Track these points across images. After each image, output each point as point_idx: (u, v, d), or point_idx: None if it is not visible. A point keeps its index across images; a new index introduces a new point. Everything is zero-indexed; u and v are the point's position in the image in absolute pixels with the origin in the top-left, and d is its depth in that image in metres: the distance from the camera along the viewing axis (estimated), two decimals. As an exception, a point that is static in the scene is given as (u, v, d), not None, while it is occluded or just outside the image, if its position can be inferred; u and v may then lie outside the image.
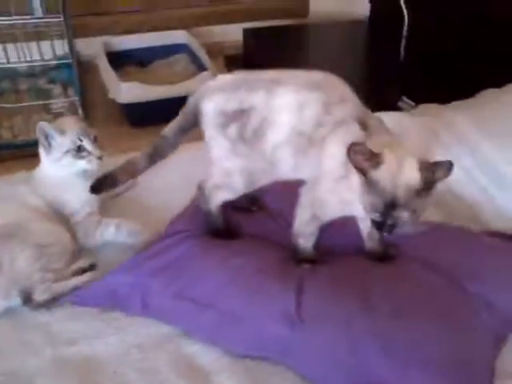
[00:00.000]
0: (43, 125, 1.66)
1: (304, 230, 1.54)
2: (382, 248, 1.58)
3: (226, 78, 1.53)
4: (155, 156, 1.60)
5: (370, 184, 1.28)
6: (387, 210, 1.27)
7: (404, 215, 1.27)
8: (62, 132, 1.67)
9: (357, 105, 1.44)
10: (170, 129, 1.59)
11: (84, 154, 1.68)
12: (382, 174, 1.27)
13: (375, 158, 1.27)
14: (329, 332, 1.36)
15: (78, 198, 1.71)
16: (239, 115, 1.45)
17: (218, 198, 1.59)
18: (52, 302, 1.51)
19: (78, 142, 1.67)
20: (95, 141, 1.71)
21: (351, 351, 1.32)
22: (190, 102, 1.56)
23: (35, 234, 1.57)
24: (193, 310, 1.44)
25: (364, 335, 1.33)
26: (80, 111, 1.75)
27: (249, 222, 1.68)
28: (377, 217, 1.30)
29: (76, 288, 1.55)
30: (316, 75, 1.47)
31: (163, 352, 1.40)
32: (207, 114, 1.50)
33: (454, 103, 2.26)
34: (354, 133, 1.37)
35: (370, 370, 1.31)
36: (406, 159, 1.28)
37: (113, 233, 1.72)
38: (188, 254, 1.53)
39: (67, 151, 1.67)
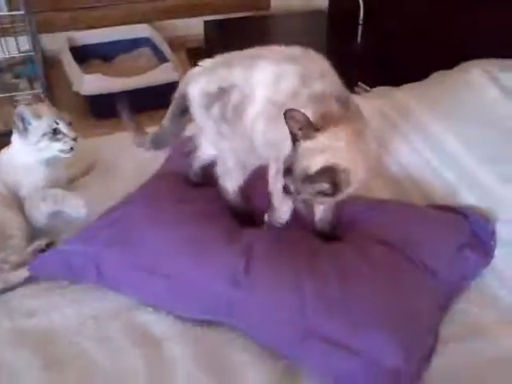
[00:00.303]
0: (21, 109, 1.71)
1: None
2: (330, 229, 1.62)
3: (207, 62, 1.58)
4: (158, 144, 1.72)
5: (293, 150, 1.32)
6: (285, 173, 1.32)
7: (290, 185, 1.32)
8: (39, 116, 1.72)
9: (336, 82, 1.44)
10: (165, 118, 1.68)
11: (60, 136, 1.74)
12: (303, 149, 1.30)
13: (307, 132, 1.29)
14: (277, 293, 1.39)
15: (35, 183, 1.76)
16: (221, 94, 1.48)
17: (228, 187, 1.64)
18: (5, 292, 1.56)
19: (54, 125, 1.73)
20: (70, 124, 1.78)
21: (299, 312, 1.36)
22: (179, 89, 1.62)
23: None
24: (146, 279, 1.48)
25: (312, 297, 1.37)
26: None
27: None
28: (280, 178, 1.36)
29: (30, 277, 1.58)
30: (296, 50, 1.47)
31: (118, 322, 1.46)
32: (194, 98, 1.55)
33: (405, 85, 2.31)
34: (328, 106, 1.35)
35: (317, 330, 1.34)
36: (327, 154, 1.28)
37: (60, 200, 1.73)
38: (139, 224, 1.57)
39: (44, 134, 1.72)
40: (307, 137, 1.29)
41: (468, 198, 1.77)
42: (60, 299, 1.53)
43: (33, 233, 1.72)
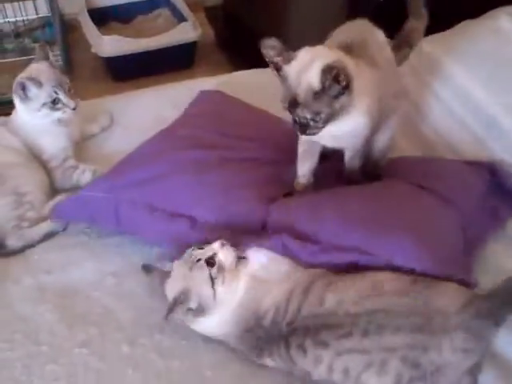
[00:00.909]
0: (20, 79, 1.72)
1: None
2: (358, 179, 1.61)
3: None
4: None
5: (282, 79, 1.30)
6: (292, 107, 1.30)
7: (306, 115, 1.29)
8: (39, 85, 1.72)
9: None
10: None
11: (59, 105, 1.74)
12: (291, 70, 1.29)
13: (287, 55, 1.29)
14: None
15: (54, 143, 1.78)
16: None
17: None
18: (22, 250, 1.56)
19: (54, 95, 1.73)
20: (69, 91, 1.77)
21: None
22: None
23: (14, 182, 1.63)
24: (164, 220, 1.48)
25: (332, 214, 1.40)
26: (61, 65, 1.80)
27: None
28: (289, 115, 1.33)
29: (48, 234, 1.59)
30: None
31: (136, 278, 1.46)
32: None
33: (432, 36, 2.25)
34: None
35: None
36: (318, 60, 1.27)
37: (89, 178, 1.75)
38: (162, 170, 1.56)
39: (44, 103, 1.72)
40: (289, 60, 1.29)
41: (494, 147, 1.73)
42: (79, 255, 1.54)
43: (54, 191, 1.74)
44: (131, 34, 3.33)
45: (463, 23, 2.23)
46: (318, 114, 1.28)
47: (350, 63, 1.31)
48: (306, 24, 2.35)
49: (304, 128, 1.33)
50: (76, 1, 3.50)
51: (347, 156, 1.55)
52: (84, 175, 1.75)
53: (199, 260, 1.28)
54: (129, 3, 3.59)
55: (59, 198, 1.68)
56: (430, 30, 2.23)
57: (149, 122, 1.91)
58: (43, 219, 1.61)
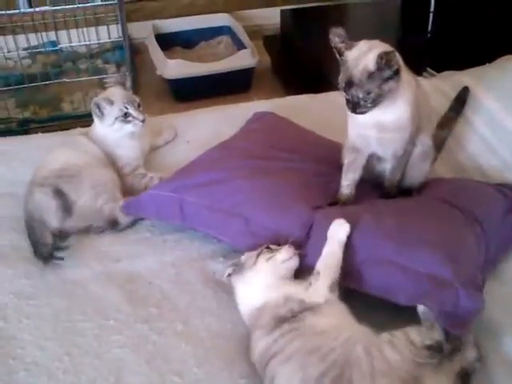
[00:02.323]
0: (96, 100, 1.98)
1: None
2: (396, 192, 1.79)
3: None
4: None
5: (342, 63, 1.52)
6: (347, 87, 1.51)
7: (359, 94, 1.50)
8: (111, 102, 1.97)
9: None
10: None
11: (130, 118, 1.98)
12: (350, 55, 1.51)
13: (349, 43, 1.52)
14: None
15: (127, 154, 2.03)
16: None
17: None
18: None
19: (125, 110, 1.97)
20: (139, 106, 2.01)
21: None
22: None
23: (90, 180, 1.86)
24: (223, 218, 1.68)
25: (370, 227, 1.56)
26: (129, 84, 2.05)
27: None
28: (343, 94, 1.54)
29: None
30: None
31: (193, 269, 1.67)
32: None
33: (468, 70, 2.41)
34: None
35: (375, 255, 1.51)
36: (375, 48, 1.49)
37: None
38: (220, 176, 1.76)
39: (116, 118, 1.97)
40: (350, 47, 1.52)
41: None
42: (144, 249, 1.76)
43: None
44: (194, 58, 3.59)
45: (503, 58, 2.38)
46: (368, 93, 1.50)
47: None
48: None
49: (355, 106, 1.53)
50: (144, 26, 3.80)
51: (389, 168, 1.72)
52: (152, 182, 1.98)
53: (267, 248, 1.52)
54: (193, 30, 3.86)
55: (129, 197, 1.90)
56: (472, 67, 2.42)
57: (208, 137, 2.12)
58: None
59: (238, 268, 1.50)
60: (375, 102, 1.52)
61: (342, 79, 1.53)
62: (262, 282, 1.47)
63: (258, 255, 1.50)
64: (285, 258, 1.49)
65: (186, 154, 2.05)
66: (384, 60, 1.46)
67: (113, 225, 1.83)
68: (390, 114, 1.59)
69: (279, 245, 1.53)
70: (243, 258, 1.52)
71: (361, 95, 1.51)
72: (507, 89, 2.12)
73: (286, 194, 1.70)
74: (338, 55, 1.54)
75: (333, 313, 1.39)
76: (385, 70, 1.48)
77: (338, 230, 1.53)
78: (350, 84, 1.51)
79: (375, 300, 1.48)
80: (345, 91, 1.53)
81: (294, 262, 1.51)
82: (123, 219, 1.82)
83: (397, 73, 1.50)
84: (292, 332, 1.33)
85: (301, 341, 1.32)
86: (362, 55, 1.50)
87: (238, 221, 1.66)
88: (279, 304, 1.40)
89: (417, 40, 3.30)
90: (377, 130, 1.63)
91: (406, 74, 1.57)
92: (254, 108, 2.27)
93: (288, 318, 1.37)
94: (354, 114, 1.57)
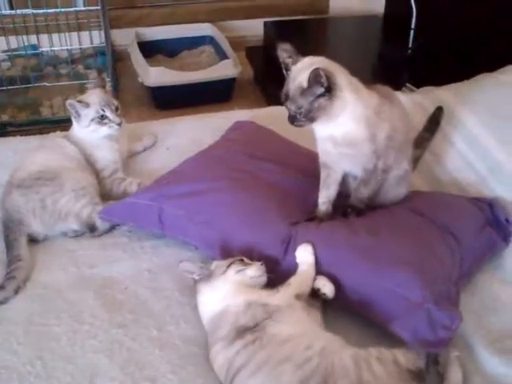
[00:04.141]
0: (70, 102, 1.98)
1: None
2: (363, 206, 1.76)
3: None
4: None
5: (287, 77, 1.57)
6: (284, 100, 1.57)
7: (291, 107, 1.56)
8: (87, 105, 1.98)
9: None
10: None
11: (106, 121, 1.99)
12: (294, 69, 1.57)
13: (295, 58, 1.57)
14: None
15: (106, 156, 2.03)
16: None
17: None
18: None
19: (101, 112, 1.98)
20: (116, 110, 2.01)
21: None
22: None
23: (70, 182, 1.85)
24: (200, 229, 1.68)
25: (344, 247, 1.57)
26: (108, 88, 2.04)
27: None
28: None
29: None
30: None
31: (170, 275, 1.66)
32: None
33: (447, 85, 2.45)
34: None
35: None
36: (314, 65, 1.51)
37: (134, 189, 1.97)
38: (202, 188, 1.75)
39: (92, 119, 1.97)
40: (295, 62, 1.58)
41: (496, 188, 1.92)
42: (120, 254, 1.75)
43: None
44: (176, 67, 3.60)
45: (480, 76, 2.42)
46: (299, 108, 1.54)
47: (346, 78, 1.57)
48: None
49: (292, 119, 1.58)
50: (127, 33, 3.80)
51: (359, 180, 1.71)
52: (131, 186, 1.98)
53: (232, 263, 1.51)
54: (176, 39, 3.87)
55: (109, 203, 1.89)
56: (451, 82, 2.45)
57: (188, 145, 2.13)
58: None
59: (207, 275, 1.50)
60: (307, 117, 1.56)
61: (282, 92, 1.58)
62: (226, 290, 1.46)
63: (229, 265, 1.50)
64: (254, 274, 1.49)
65: (165, 161, 2.06)
66: (314, 77, 1.50)
67: (90, 229, 1.81)
68: (338, 130, 1.61)
69: (253, 260, 1.54)
70: (213, 265, 1.52)
71: (293, 109, 1.56)
72: (484, 105, 2.15)
73: (264, 209, 1.70)
74: (284, 70, 1.59)
75: (295, 320, 1.40)
76: (316, 87, 1.51)
77: (304, 255, 1.56)
78: (286, 97, 1.57)
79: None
80: (283, 104, 1.58)
81: (262, 280, 1.50)
82: (101, 224, 1.81)
83: (328, 90, 1.52)
84: (255, 343, 1.33)
85: (267, 351, 1.31)
86: (301, 71, 1.54)
87: (216, 233, 1.66)
88: (239, 311, 1.40)
89: (397, 55, 3.35)
90: (331, 144, 1.65)
91: (355, 93, 1.58)
92: (235, 117, 2.28)
93: (250, 327, 1.36)
94: (316, 129, 1.62)
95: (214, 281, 1.49)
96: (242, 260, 1.53)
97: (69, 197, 1.82)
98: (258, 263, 1.51)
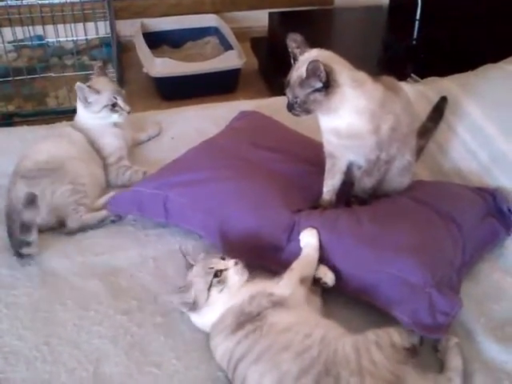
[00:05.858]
0: (80, 86, 2.00)
1: None
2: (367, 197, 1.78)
3: None
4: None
5: (293, 66, 1.60)
6: (285, 87, 1.59)
7: (289, 95, 1.58)
8: (97, 91, 2.00)
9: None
10: None
11: (117, 108, 2.03)
12: (300, 60, 1.59)
13: (303, 48, 1.59)
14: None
15: (111, 143, 2.06)
16: None
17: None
18: (80, 231, 1.81)
19: (114, 100, 2.01)
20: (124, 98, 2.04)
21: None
22: None
23: (74, 173, 1.88)
24: (204, 217, 1.70)
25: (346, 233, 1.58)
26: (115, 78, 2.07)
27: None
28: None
29: (103, 220, 1.83)
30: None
31: (174, 263, 1.67)
32: None
33: (451, 76, 2.45)
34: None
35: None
36: (317, 57, 1.53)
37: (140, 178, 1.99)
38: (202, 176, 1.77)
39: (104, 106, 2.00)
40: (303, 52, 1.59)
41: (499, 177, 1.93)
42: (126, 242, 1.77)
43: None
44: (181, 57, 3.62)
45: (485, 66, 2.41)
46: (295, 97, 1.56)
47: (348, 74, 1.57)
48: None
49: (290, 107, 1.60)
50: (132, 24, 3.81)
51: (362, 170, 1.72)
52: (137, 175, 2.00)
53: (212, 268, 1.47)
54: (181, 29, 3.88)
55: (111, 193, 1.92)
56: (455, 70, 2.46)
57: (193, 134, 2.16)
58: (98, 210, 1.86)
59: (192, 307, 1.45)
60: (302, 108, 1.58)
61: (286, 79, 1.60)
62: (220, 310, 1.43)
63: (209, 289, 1.43)
64: (236, 280, 1.45)
65: (170, 150, 2.07)
66: (312, 69, 1.51)
67: (59, 224, 1.82)
68: (341, 122, 1.61)
69: (223, 258, 1.49)
70: (192, 293, 1.44)
71: (290, 97, 1.59)
72: (488, 95, 2.16)
73: (267, 197, 1.71)
74: (292, 60, 1.61)
75: (295, 308, 1.40)
76: (313, 80, 1.53)
77: (309, 239, 1.57)
78: (287, 85, 1.59)
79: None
80: (285, 90, 1.60)
81: (246, 275, 1.46)
82: (72, 222, 1.81)
83: (326, 86, 1.53)
84: (256, 332, 1.34)
85: (267, 339, 1.32)
86: (305, 62, 1.55)
87: (220, 221, 1.67)
88: (244, 303, 1.40)
89: (402, 46, 3.35)
90: (335, 136, 1.65)
91: (357, 89, 1.58)
92: (240, 107, 2.29)
93: (253, 315, 1.37)
94: (320, 120, 1.64)
95: (203, 311, 1.45)
96: (216, 274, 1.44)
97: (65, 189, 1.83)
98: (233, 265, 1.46)
